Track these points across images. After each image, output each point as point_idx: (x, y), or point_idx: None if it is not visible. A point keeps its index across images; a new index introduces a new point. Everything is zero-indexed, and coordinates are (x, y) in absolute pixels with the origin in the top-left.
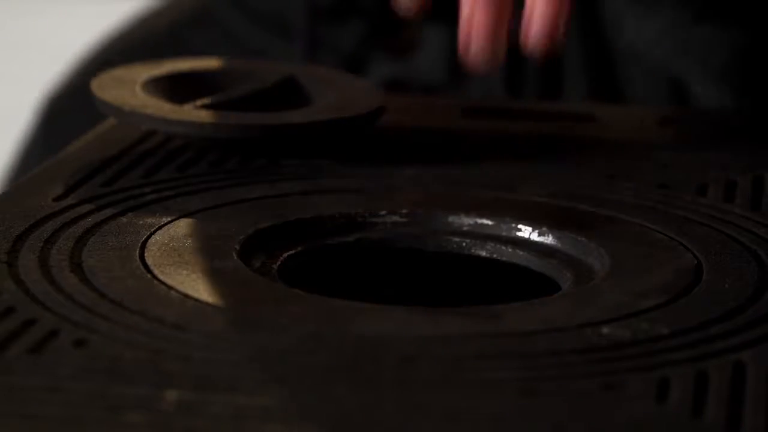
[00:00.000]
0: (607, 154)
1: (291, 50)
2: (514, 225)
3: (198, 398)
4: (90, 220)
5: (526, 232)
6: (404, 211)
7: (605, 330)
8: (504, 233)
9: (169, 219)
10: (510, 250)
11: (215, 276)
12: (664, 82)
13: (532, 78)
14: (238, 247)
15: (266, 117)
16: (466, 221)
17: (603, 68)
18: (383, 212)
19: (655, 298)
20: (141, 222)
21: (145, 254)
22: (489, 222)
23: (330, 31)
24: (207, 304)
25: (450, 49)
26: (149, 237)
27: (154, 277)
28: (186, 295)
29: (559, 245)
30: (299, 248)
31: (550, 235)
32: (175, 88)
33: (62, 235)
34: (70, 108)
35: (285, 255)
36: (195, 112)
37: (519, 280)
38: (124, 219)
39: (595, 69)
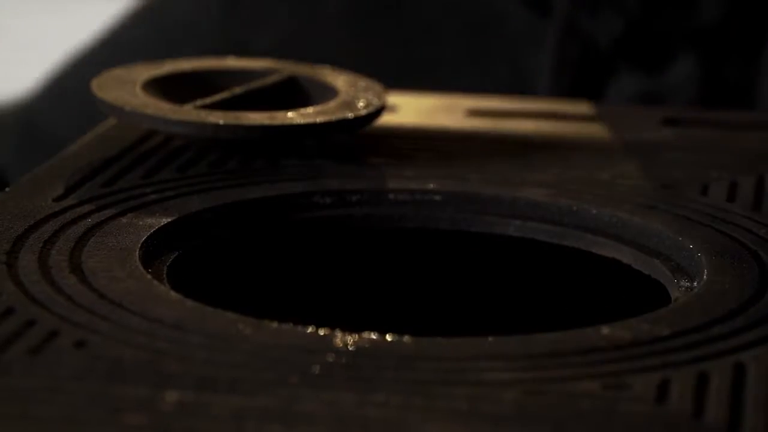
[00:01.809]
0: (609, 153)
1: (544, 33)
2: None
3: (198, 398)
4: (90, 221)
5: None
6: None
7: (606, 331)
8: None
9: (169, 219)
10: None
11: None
12: None
13: None
14: None
15: (266, 117)
16: None
17: None
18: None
19: None
20: (141, 222)
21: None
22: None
23: (585, 19)
24: (207, 304)
25: (703, 71)
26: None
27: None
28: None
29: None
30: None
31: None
32: (176, 88)
33: (62, 235)
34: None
35: None
36: (195, 112)
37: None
38: (124, 219)
39: None
